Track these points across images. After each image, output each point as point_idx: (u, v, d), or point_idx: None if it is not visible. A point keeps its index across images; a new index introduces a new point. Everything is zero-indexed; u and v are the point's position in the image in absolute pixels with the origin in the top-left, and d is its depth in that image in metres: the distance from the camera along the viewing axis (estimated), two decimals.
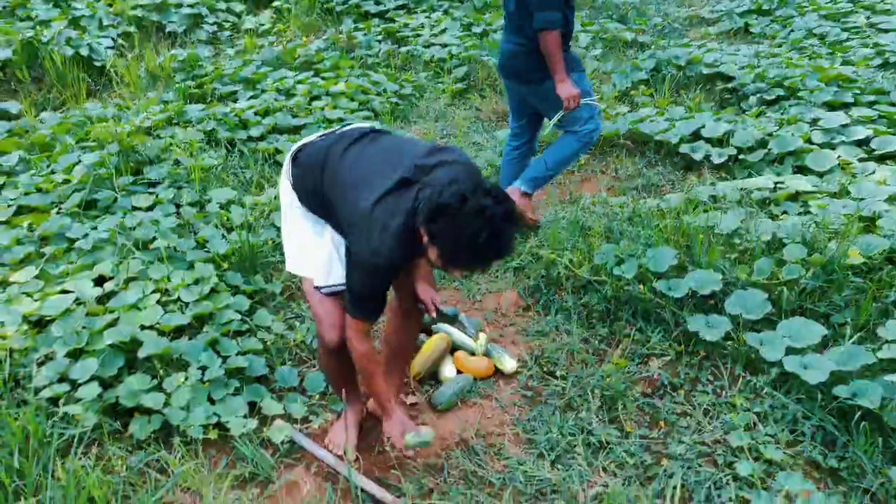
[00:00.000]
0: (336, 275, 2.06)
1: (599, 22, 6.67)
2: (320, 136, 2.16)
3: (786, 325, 2.50)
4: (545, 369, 2.71)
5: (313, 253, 2.10)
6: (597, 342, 2.83)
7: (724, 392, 2.48)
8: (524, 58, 3.23)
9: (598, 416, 2.44)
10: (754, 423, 2.33)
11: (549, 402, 2.54)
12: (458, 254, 1.70)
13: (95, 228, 3.17)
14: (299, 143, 2.18)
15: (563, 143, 3.39)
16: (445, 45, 5.96)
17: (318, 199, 2.05)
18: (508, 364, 2.69)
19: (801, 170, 3.80)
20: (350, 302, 1.96)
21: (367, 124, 2.22)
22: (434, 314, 2.28)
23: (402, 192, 1.81)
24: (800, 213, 3.25)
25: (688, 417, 2.41)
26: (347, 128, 2.17)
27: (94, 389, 2.29)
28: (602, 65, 5.81)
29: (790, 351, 2.42)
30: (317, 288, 2.07)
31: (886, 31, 5.98)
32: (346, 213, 1.90)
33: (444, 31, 6.41)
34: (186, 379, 2.39)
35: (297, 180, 2.11)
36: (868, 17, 6.29)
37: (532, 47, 3.16)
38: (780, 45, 6.01)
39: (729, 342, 2.61)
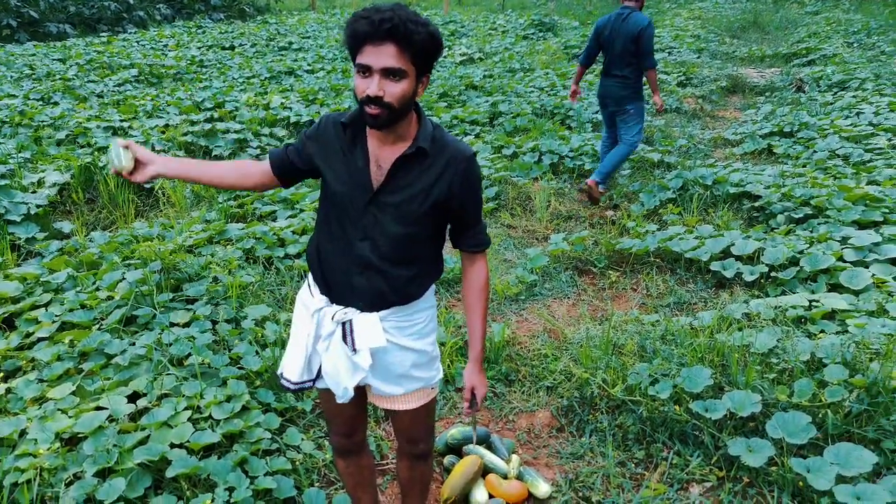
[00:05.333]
0: (290, 369, 1.93)
1: None
2: None
3: (833, 451, 2.39)
4: (580, 494, 2.61)
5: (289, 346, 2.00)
6: (633, 466, 2.73)
7: None
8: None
9: None
10: None
11: None
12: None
13: (133, 344, 3.23)
14: None
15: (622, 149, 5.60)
16: None
17: None
18: (542, 488, 2.60)
19: (836, 288, 3.76)
20: None
21: None
22: (467, 405, 2.00)
23: None
24: (838, 333, 3.19)
25: None
26: None
27: None
28: (630, 184, 5.96)
29: (840, 479, 2.30)
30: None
31: None
32: None
33: (476, 153, 6.68)
34: (213, 500, 2.35)
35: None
36: (890, 140, 6.40)
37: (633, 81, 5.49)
38: (804, 166, 6.12)
39: (773, 468, 2.50)
